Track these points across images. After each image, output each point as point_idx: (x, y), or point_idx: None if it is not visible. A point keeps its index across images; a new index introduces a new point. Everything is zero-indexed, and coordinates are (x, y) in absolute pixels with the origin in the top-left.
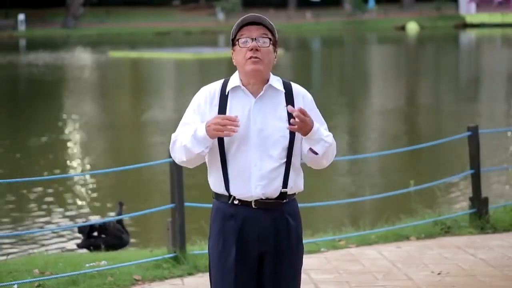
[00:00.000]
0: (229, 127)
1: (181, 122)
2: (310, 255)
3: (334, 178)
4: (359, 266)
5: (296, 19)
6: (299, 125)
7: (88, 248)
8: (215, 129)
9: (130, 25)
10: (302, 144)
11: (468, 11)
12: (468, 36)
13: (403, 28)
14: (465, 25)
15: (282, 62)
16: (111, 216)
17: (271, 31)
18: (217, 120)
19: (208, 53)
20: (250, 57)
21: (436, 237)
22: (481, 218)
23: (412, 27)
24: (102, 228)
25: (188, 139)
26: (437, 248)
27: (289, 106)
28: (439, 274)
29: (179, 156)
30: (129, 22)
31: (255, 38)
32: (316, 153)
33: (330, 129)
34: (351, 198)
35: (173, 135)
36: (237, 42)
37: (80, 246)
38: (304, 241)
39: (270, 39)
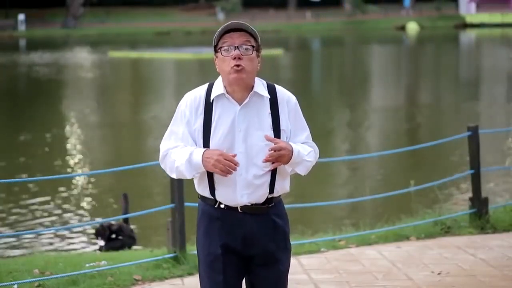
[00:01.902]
0: (228, 168)
1: (168, 132)
2: (310, 255)
3: (334, 178)
4: (359, 266)
5: (296, 19)
6: (276, 162)
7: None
8: (214, 165)
9: (130, 25)
10: (284, 166)
11: (468, 11)
12: (468, 36)
13: (403, 28)
14: (465, 25)
15: (282, 62)
16: (111, 216)
17: (254, 37)
18: (219, 158)
19: (208, 53)
20: (234, 66)
21: (436, 237)
22: (481, 218)
23: (412, 27)
24: (118, 230)
25: (181, 162)
26: (437, 248)
27: (266, 136)
28: (439, 274)
29: (169, 171)
30: (129, 22)
31: (237, 46)
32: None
33: (330, 129)
34: (351, 198)
35: (162, 147)
36: (219, 50)
37: (102, 250)
38: (304, 241)
39: (253, 46)
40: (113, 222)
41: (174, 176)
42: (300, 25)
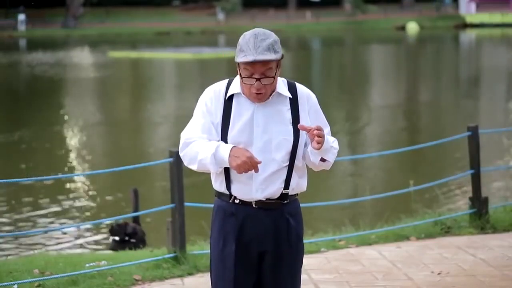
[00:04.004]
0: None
1: (191, 123)
2: (310, 255)
3: (334, 178)
4: (359, 266)
5: (296, 19)
6: (322, 142)
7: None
8: (240, 165)
9: (130, 25)
10: (311, 156)
11: (468, 11)
12: (468, 36)
13: (403, 28)
14: (465, 25)
15: (282, 62)
16: (112, 216)
17: (276, 53)
18: (247, 161)
19: (208, 53)
20: (254, 92)
21: (436, 237)
22: (481, 218)
23: (412, 27)
24: (133, 232)
25: (206, 155)
26: (437, 248)
27: (301, 125)
28: (439, 274)
29: (189, 162)
30: (129, 22)
31: (259, 79)
32: (325, 160)
33: (331, 129)
34: (351, 198)
35: (184, 136)
36: (240, 70)
37: (112, 249)
38: (304, 241)
39: (275, 71)
40: (127, 223)
41: (193, 168)
42: (300, 25)
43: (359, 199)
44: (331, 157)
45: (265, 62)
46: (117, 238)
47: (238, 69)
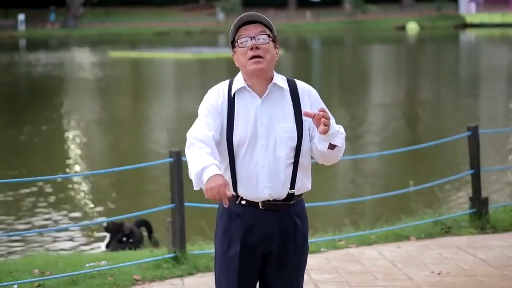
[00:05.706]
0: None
1: (197, 122)
2: (310, 255)
3: (334, 178)
4: (359, 266)
5: (296, 19)
6: (328, 125)
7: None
8: (209, 190)
9: (130, 25)
10: (318, 144)
11: (468, 11)
12: (468, 36)
13: (403, 28)
14: (465, 25)
15: (282, 62)
16: (112, 216)
17: (269, 27)
18: (215, 187)
19: (208, 53)
20: (252, 57)
21: (436, 237)
22: (481, 218)
23: (412, 27)
24: (130, 233)
25: (194, 170)
26: (437, 248)
27: (305, 112)
28: (439, 274)
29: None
30: (129, 22)
31: (254, 37)
32: (335, 146)
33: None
34: (351, 198)
35: (189, 135)
36: (236, 43)
37: (109, 249)
38: None
39: (269, 35)
40: (123, 223)
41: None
42: (300, 25)
43: (359, 199)
44: (339, 141)
45: (257, 24)
46: (109, 234)
47: (234, 56)
